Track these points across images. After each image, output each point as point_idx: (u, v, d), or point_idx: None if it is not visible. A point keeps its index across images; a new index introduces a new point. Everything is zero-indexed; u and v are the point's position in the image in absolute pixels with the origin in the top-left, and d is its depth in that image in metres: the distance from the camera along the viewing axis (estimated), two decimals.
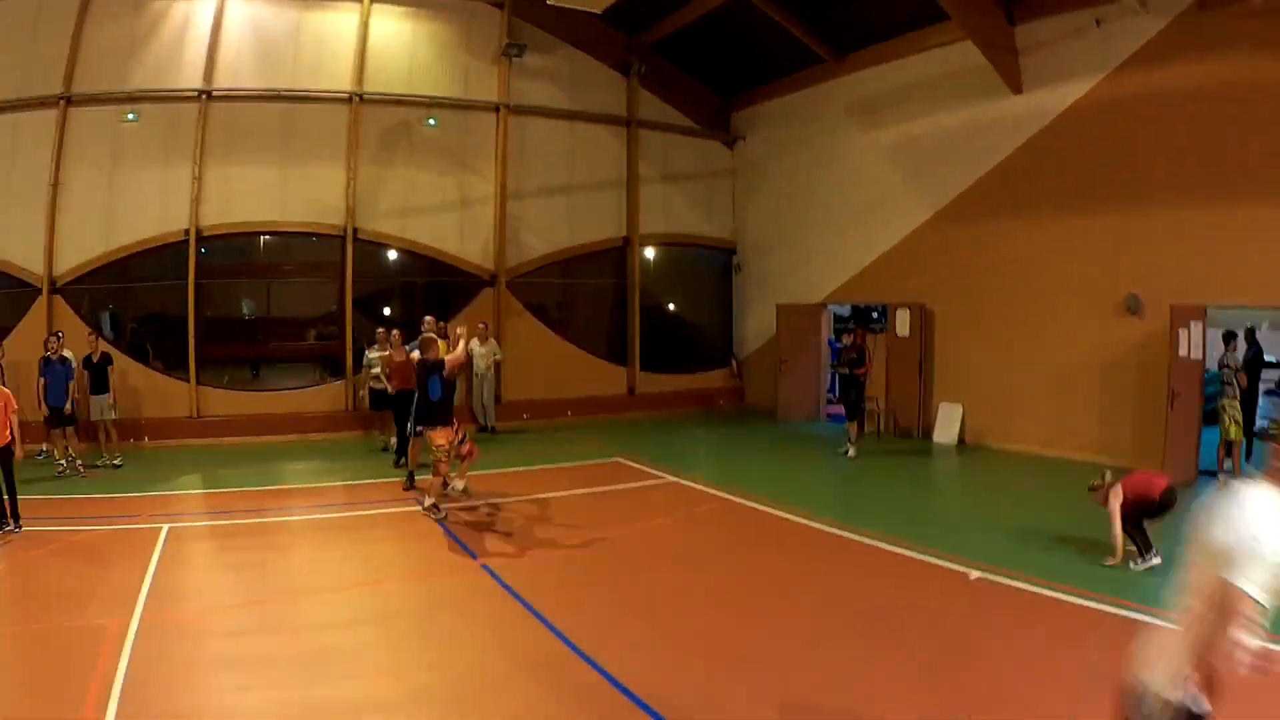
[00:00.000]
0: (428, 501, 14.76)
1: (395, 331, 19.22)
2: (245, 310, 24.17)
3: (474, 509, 15.36)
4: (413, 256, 24.80)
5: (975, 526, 14.17)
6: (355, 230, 23.36)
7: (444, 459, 14.75)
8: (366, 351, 20.88)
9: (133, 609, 10.37)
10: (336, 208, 23.31)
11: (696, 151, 28.62)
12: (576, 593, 11.36)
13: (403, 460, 18.11)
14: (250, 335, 24.42)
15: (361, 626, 10.24)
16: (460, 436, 15.16)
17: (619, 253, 27.41)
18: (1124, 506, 11.22)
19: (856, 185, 24.19)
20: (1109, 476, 11.67)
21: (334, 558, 13.10)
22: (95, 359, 18.97)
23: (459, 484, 15.58)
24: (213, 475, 18.39)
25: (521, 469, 18.96)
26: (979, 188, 20.43)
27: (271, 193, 22.86)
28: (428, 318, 17.92)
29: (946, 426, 21.23)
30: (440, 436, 14.67)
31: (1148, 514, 11.20)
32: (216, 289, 23.22)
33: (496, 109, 24.91)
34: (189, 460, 19.86)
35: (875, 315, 25.97)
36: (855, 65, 23.95)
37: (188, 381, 22.16)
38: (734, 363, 28.94)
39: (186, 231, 21.93)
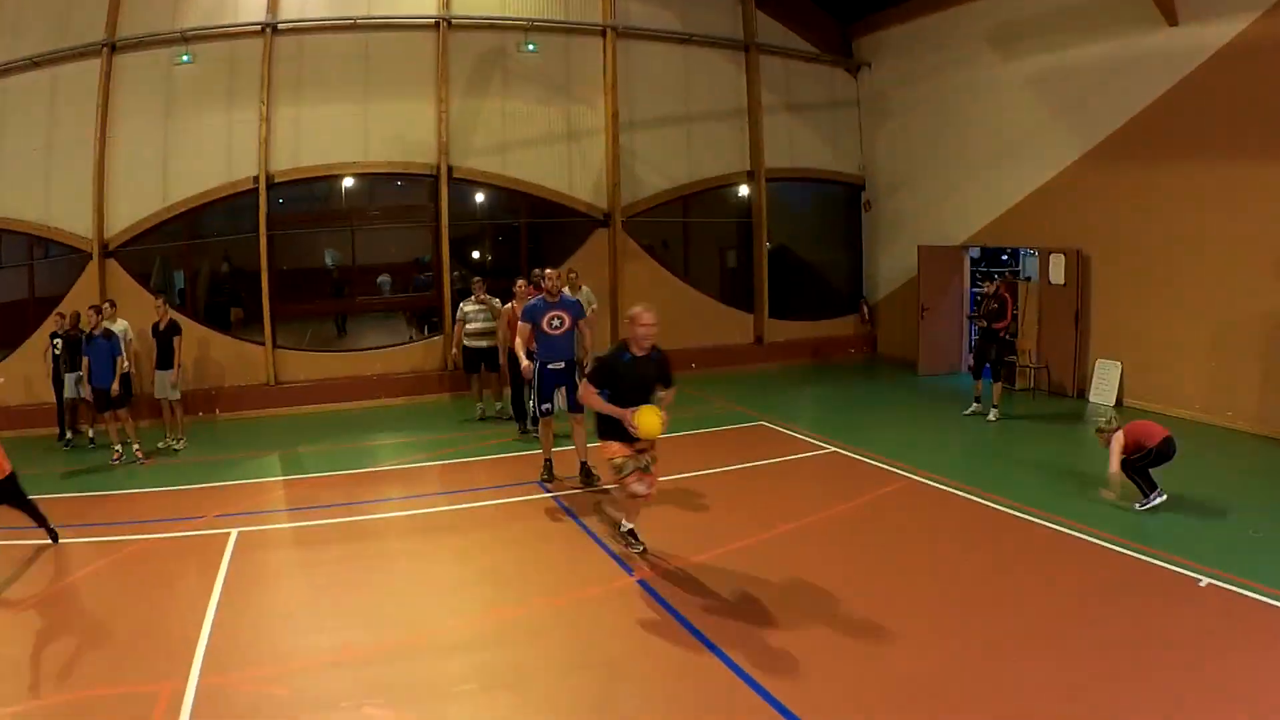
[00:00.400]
0: (624, 526, 9.92)
1: (521, 282, 15.63)
2: (329, 261, 20.98)
3: (607, 497, 11.85)
4: (515, 196, 21.27)
5: (1191, 520, 10.83)
6: (450, 169, 19.97)
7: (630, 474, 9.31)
8: (461, 305, 17.51)
9: (190, 664, 7.39)
10: (426, 145, 19.93)
11: (819, 79, 24.75)
12: (765, 622, 8.14)
13: (528, 429, 15.13)
14: (333, 289, 21.24)
15: (493, 694, 7.10)
16: (642, 459, 9.49)
17: (741, 189, 23.77)
18: (1125, 450, 11.38)
19: (998, 118, 20.66)
20: (1114, 421, 11.70)
21: (446, 574, 9.80)
22: (162, 327, 15.71)
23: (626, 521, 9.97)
24: (292, 456, 15.15)
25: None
26: (1134, 126, 17.39)
27: (351, 132, 19.53)
28: (547, 271, 13.49)
29: (1103, 386, 18.19)
30: (616, 449, 9.45)
31: (1148, 461, 11.33)
32: (292, 240, 20.09)
33: (603, 31, 21.29)
34: (266, 436, 16.72)
35: (1005, 258, 22.85)
36: None
37: (263, 344, 19.07)
38: (864, 308, 25.35)
39: (255, 179, 18.75)
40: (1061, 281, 18.79)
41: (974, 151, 21.34)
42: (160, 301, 15.79)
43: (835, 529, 10.85)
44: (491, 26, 20.37)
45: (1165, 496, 11.23)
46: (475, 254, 21.89)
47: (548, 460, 12.76)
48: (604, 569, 9.47)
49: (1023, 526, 10.62)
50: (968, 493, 11.85)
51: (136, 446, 14.73)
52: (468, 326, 16.96)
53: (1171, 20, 16.37)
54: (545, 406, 12.54)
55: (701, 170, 22.84)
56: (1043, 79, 19.42)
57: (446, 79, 19.79)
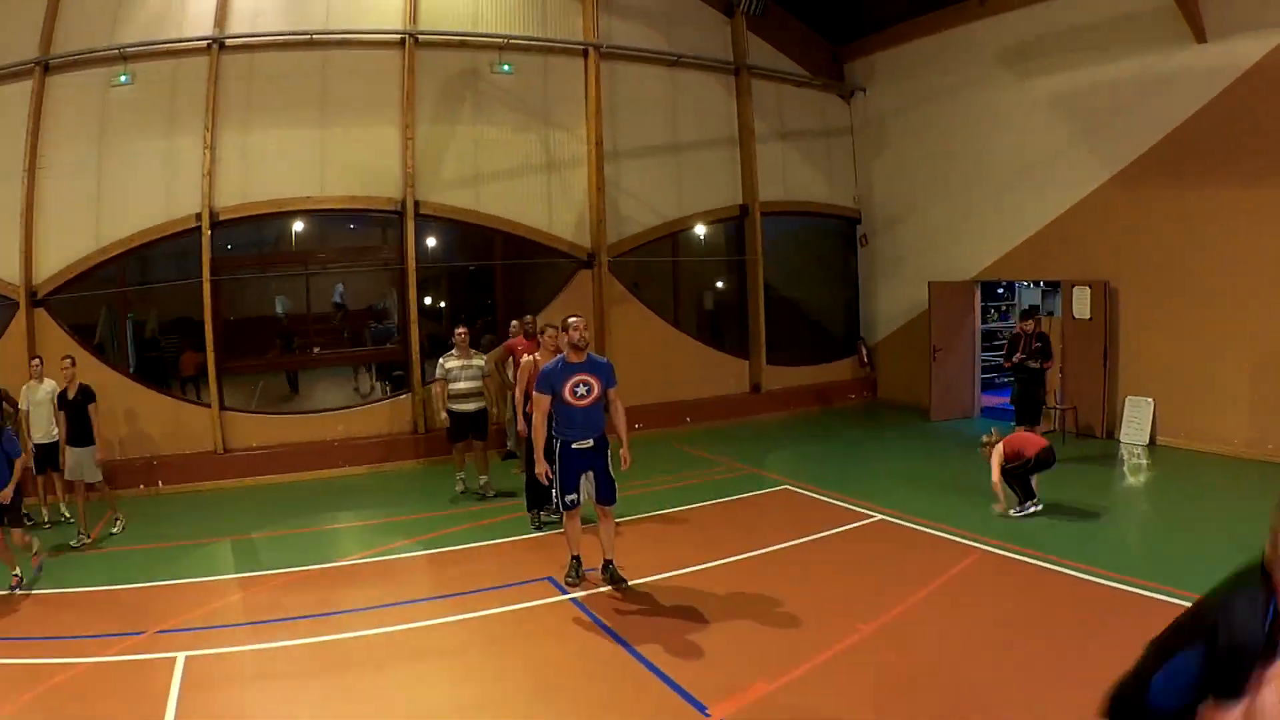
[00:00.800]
0: None
1: (549, 329, 12.32)
2: (279, 309, 18.50)
3: (632, 594, 9.84)
4: (489, 235, 19.02)
5: None
6: (417, 204, 17.68)
7: None
8: (442, 360, 14.83)
9: None
10: (390, 177, 17.62)
11: (811, 105, 22.94)
12: None
13: (542, 517, 12.52)
14: (284, 341, 18.69)
15: None
16: None
17: (735, 224, 21.80)
18: (1004, 459, 12.14)
19: (1012, 144, 19.38)
20: (995, 435, 12.53)
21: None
22: (71, 395, 12.91)
23: None
24: (246, 545, 12.60)
25: (667, 510, 13.32)
26: (1163, 148, 16.43)
27: (307, 162, 17.17)
28: (570, 320, 10.06)
29: (1135, 425, 17.08)
30: None
31: (1027, 469, 12.12)
32: (239, 286, 17.76)
33: (584, 51, 19.24)
34: (215, 515, 14.15)
35: (1000, 291, 22.48)
36: (1003, 5, 19.06)
37: (208, 406, 16.55)
38: (863, 350, 23.50)
39: (198, 216, 16.32)
40: (1087, 315, 17.62)
41: (984, 179, 20.07)
42: (67, 363, 12.97)
43: (926, 623, 8.79)
44: (463, 44, 18.22)
45: (1041, 506, 12.18)
46: (442, 300, 19.77)
47: (575, 558, 10.23)
48: (665, 707, 7.21)
49: (1139, 604, 8.80)
50: (1061, 565, 10.02)
51: (37, 549, 11.29)
52: (452, 386, 14.47)
53: (1200, 37, 15.50)
54: (570, 497, 9.80)
55: (691, 204, 20.91)
56: (1060, 101, 18.34)
57: (413, 103, 17.57)
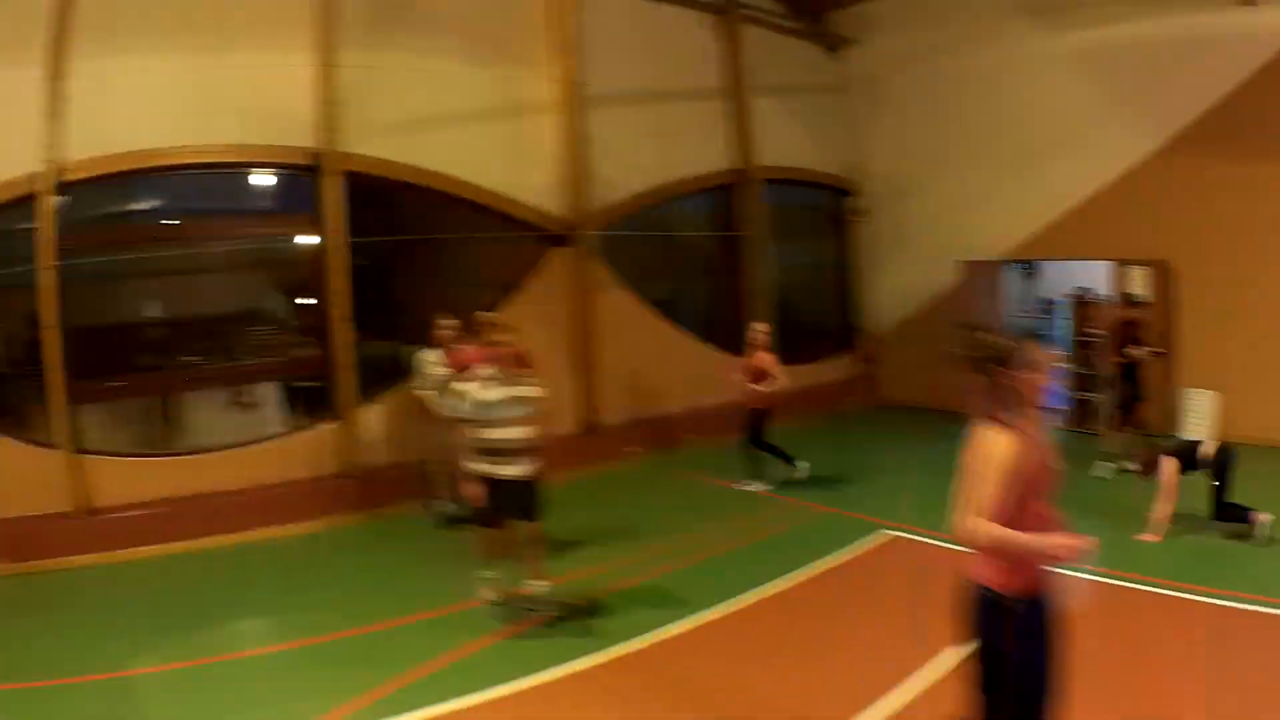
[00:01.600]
0: None
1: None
2: (151, 313, 12.60)
3: None
4: (429, 200, 13.69)
5: None
6: (342, 156, 12.36)
7: None
8: (463, 385, 8.97)
9: None
10: (300, 120, 12.22)
11: (797, 58, 18.96)
12: None
13: None
14: (160, 355, 12.56)
15: None
16: None
17: (723, 193, 17.49)
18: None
19: (1040, 108, 16.99)
20: None
21: None
22: None
23: None
24: (132, 692, 6.94)
25: (755, 589, 8.73)
26: (1218, 115, 14.75)
27: (184, 100, 11.63)
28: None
29: (1194, 420, 14.96)
30: None
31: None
32: (93, 278, 11.78)
33: None
34: (76, 623, 8.46)
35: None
36: None
37: (55, 448, 10.74)
38: (863, 344, 19.76)
39: (35, 177, 10.70)
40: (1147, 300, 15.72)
41: (1005, 147, 17.52)
42: None
43: None
44: None
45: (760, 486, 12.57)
46: (374, 291, 13.76)
47: None
48: None
49: None
50: None
51: None
52: (488, 434, 8.19)
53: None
54: None
55: (678, 167, 16.48)
56: (1094, 59, 16.20)
57: (331, 21, 12.18)
